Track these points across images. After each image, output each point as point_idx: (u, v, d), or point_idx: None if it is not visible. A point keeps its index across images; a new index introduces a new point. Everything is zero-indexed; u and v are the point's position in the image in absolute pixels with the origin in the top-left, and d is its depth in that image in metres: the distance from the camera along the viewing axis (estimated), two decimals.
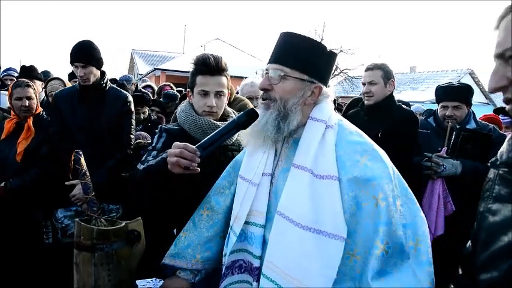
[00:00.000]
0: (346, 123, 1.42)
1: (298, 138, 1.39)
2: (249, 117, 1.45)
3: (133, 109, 3.03)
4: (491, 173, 1.04)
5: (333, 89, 1.45)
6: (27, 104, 2.98)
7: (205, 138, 1.41)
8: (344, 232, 1.19)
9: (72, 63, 2.83)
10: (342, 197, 1.22)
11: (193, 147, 1.36)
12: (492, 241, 0.93)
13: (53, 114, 3.01)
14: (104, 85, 2.94)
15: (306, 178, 1.28)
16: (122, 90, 3.09)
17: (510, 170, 0.95)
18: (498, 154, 1.00)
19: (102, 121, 2.85)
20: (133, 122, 3.02)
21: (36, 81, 3.98)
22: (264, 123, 1.38)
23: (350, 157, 1.27)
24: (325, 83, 1.41)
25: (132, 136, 2.95)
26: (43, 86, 4.12)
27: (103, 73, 2.97)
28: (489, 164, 1.03)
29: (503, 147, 0.99)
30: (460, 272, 1.22)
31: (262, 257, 1.37)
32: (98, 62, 2.89)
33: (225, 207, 1.63)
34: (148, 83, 7.03)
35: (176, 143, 1.39)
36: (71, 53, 2.83)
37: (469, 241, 1.16)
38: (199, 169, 1.37)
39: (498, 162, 0.98)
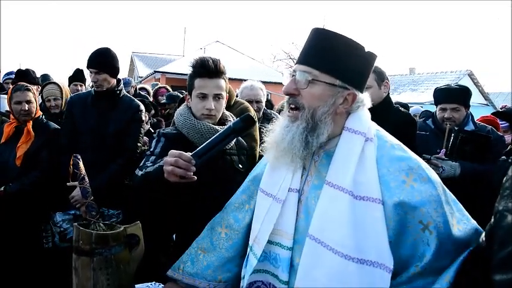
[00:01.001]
0: (385, 134, 1.28)
1: (330, 151, 1.25)
2: (245, 124, 1.43)
3: (144, 118, 3.06)
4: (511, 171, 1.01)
5: (368, 94, 1.31)
6: (26, 108, 2.99)
7: (201, 146, 1.39)
8: (390, 262, 1.08)
9: (87, 68, 2.92)
10: (386, 222, 1.11)
11: (188, 156, 1.34)
12: (510, 241, 0.91)
13: (66, 119, 3.06)
14: (118, 92, 2.98)
15: (345, 200, 1.14)
16: (135, 99, 3.14)
17: None
18: None
19: (111, 127, 2.89)
20: (142, 130, 3.04)
21: (32, 85, 3.99)
22: (290, 139, 1.23)
23: (395, 177, 1.14)
24: (361, 88, 1.26)
25: (139, 144, 2.96)
26: (39, 90, 4.12)
27: (119, 81, 3.02)
28: (510, 160, 1.00)
29: None
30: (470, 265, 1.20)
31: (289, 282, 1.25)
32: (113, 70, 2.95)
33: (245, 224, 1.49)
34: (144, 85, 7.05)
35: (172, 151, 1.36)
36: (88, 59, 2.92)
37: (483, 235, 1.12)
38: (195, 177, 1.34)
39: None
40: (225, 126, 1.89)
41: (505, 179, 1.03)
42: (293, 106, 1.25)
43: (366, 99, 1.29)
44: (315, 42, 1.24)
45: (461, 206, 1.22)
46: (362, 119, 1.25)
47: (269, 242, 1.30)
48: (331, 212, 1.15)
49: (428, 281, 1.11)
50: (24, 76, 4.15)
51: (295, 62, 1.38)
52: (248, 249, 1.40)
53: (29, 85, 3.13)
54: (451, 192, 1.22)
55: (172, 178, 1.34)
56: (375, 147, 1.20)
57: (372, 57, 1.27)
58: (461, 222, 1.16)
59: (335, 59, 1.20)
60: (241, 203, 1.55)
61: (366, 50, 1.24)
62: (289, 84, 1.24)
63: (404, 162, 1.17)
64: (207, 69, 1.83)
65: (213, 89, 1.84)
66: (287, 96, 1.28)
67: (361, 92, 1.26)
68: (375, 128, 1.27)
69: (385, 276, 1.08)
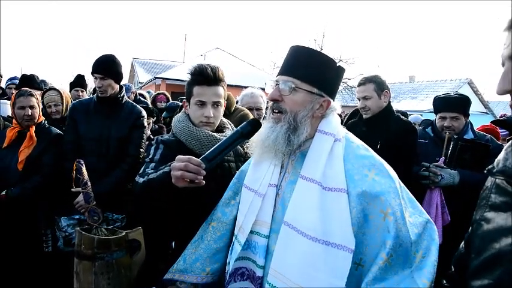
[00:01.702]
0: (352, 136, 1.45)
1: (305, 151, 1.41)
2: (253, 127, 1.47)
3: (146, 124, 3.11)
4: (489, 181, 1.06)
5: (339, 102, 1.51)
6: (29, 113, 3.01)
7: (210, 150, 1.41)
8: (352, 244, 1.20)
9: (92, 74, 2.95)
10: (350, 210, 1.24)
11: (198, 160, 1.36)
12: (485, 249, 0.96)
13: (68, 125, 3.07)
14: (120, 98, 3.03)
15: (315, 190, 1.29)
16: (137, 105, 3.17)
17: (506, 179, 0.97)
18: (495, 162, 1.01)
19: (114, 133, 2.92)
20: (145, 136, 3.08)
21: (35, 90, 4.05)
22: (274, 138, 1.39)
23: (358, 171, 1.30)
24: (333, 97, 1.44)
25: (141, 149, 2.99)
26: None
27: (121, 87, 3.06)
28: (486, 171, 1.05)
29: (500, 156, 1.00)
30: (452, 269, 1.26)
31: (266, 266, 1.38)
32: (118, 76, 3.00)
33: (232, 217, 1.62)
34: (140, 91, 7.07)
35: (180, 157, 1.39)
36: (93, 65, 2.96)
37: (462, 242, 1.20)
38: (204, 182, 1.37)
39: (494, 170, 1.00)
40: (225, 132, 1.91)
41: (482, 189, 1.09)
42: (276, 111, 1.42)
43: (337, 105, 1.46)
44: (295, 57, 1.43)
45: (416, 203, 1.35)
46: (332, 122, 1.42)
47: (251, 232, 1.45)
48: (304, 201, 1.31)
49: (402, 278, 1.19)
50: (28, 81, 4.19)
51: None
52: (233, 238, 1.54)
53: (32, 90, 3.15)
54: (408, 191, 1.37)
55: (180, 183, 1.36)
56: (343, 146, 1.37)
57: (341, 70, 1.47)
58: (413, 215, 1.29)
59: (313, 70, 1.39)
60: (228, 198, 1.67)
61: (337, 64, 1.44)
62: (274, 92, 1.42)
63: (367, 160, 1.33)
64: (206, 76, 1.82)
65: (211, 96, 1.84)
66: (271, 102, 1.45)
67: (333, 99, 1.44)
68: (344, 131, 1.44)
69: (347, 256, 1.20)
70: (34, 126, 3.07)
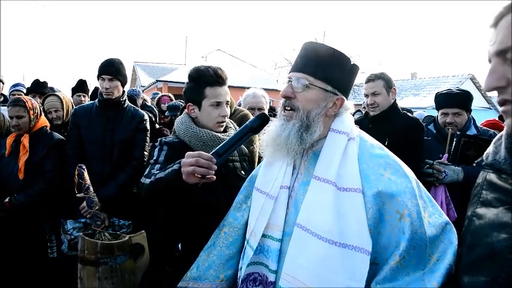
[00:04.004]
0: (366, 135, 1.41)
1: (318, 151, 1.37)
2: (262, 121, 1.47)
3: (148, 127, 3.11)
4: (480, 178, 1.06)
5: (352, 102, 1.46)
6: (15, 123, 2.99)
7: (220, 145, 1.41)
8: (369, 246, 1.17)
9: (99, 76, 2.96)
10: (366, 210, 1.21)
11: (209, 154, 1.35)
12: (476, 244, 0.95)
13: (70, 130, 3.07)
14: (122, 102, 3.04)
15: (330, 191, 1.25)
16: (139, 109, 3.19)
17: (496, 173, 0.96)
18: (484, 155, 1.00)
19: (117, 136, 2.93)
20: (148, 139, 3.08)
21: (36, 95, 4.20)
22: (286, 136, 1.35)
23: (374, 171, 1.26)
24: (347, 95, 1.40)
25: (145, 153, 3.00)
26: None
27: (123, 92, 3.08)
28: (475, 164, 1.04)
29: (490, 149, 0.99)
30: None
31: (278, 271, 1.34)
32: (124, 79, 3.04)
33: (243, 222, 1.58)
34: (143, 94, 7.07)
35: (190, 153, 1.38)
36: (100, 67, 2.97)
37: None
38: (215, 177, 1.36)
39: (483, 163, 0.99)
40: (229, 132, 1.93)
41: (474, 186, 1.08)
42: (288, 108, 1.38)
43: (350, 104, 1.42)
44: (308, 54, 1.39)
45: (435, 202, 1.31)
46: (345, 121, 1.39)
47: (263, 235, 1.41)
48: (318, 202, 1.27)
49: (412, 279, 1.16)
50: (37, 86, 4.39)
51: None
52: (245, 243, 1.50)
53: (23, 99, 3.08)
54: (426, 191, 1.32)
55: (192, 179, 1.35)
56: (357, 145, 1.33)
57: (356, 68, 1.42)
58: (433, 216, 1.26)
59: (327, 68, 1.35)
60: (239, 202, 1.64)
61: (352, 62, 1.40)
62: (286, 88, 1.38)
63: (383, 159, 1.29)
64: (220, 77, 1.86)
65: (225, 96, 1.89)
66: (283, 99, 1.41)
67: (347, 98, 1.40)
68: (357, 130, 1.41)
69: (365, 258, 1.17)
70: (28, 135, 3.04)
